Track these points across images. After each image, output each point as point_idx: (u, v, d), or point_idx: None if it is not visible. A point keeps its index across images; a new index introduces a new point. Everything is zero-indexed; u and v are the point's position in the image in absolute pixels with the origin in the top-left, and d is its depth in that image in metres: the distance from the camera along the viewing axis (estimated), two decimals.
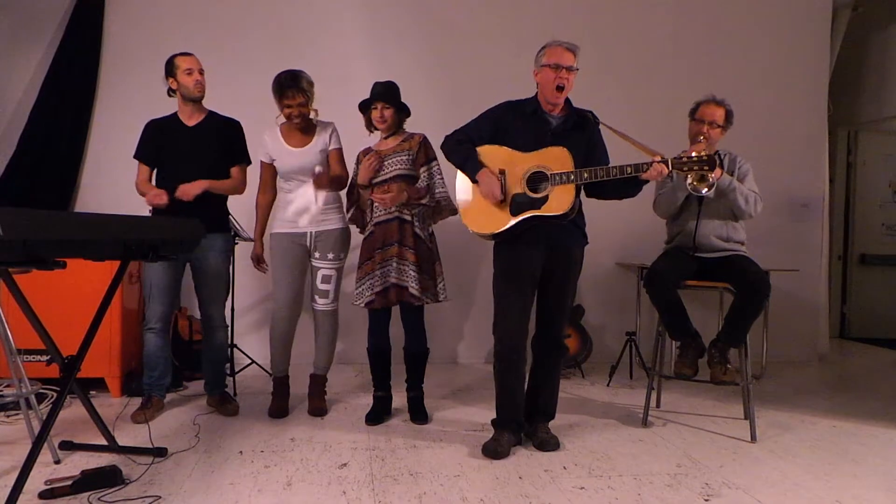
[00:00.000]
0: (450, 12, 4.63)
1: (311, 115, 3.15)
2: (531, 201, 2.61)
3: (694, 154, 2.55)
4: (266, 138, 3.18)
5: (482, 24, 4.64)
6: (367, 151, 3.14)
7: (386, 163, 3.03)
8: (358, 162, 3.15)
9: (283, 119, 3.14)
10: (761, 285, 2.90)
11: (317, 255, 3.15)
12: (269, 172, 3.22)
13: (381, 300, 2.99)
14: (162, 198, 2.98)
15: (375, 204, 3.04)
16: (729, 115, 3.10)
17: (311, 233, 3.13)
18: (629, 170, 2.53)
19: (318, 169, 3.08)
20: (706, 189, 2.83)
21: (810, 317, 4.99)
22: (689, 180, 2.82)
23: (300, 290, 3.19)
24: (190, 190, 3.00)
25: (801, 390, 3.98)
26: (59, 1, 4.26)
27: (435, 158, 3.06)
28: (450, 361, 4.54)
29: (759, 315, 2.98)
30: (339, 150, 3.21)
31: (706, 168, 2.53)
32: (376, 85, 3.05)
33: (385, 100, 3.01)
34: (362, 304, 3.04)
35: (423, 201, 3.03)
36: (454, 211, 3.00)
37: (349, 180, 3.21)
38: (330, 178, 3.14)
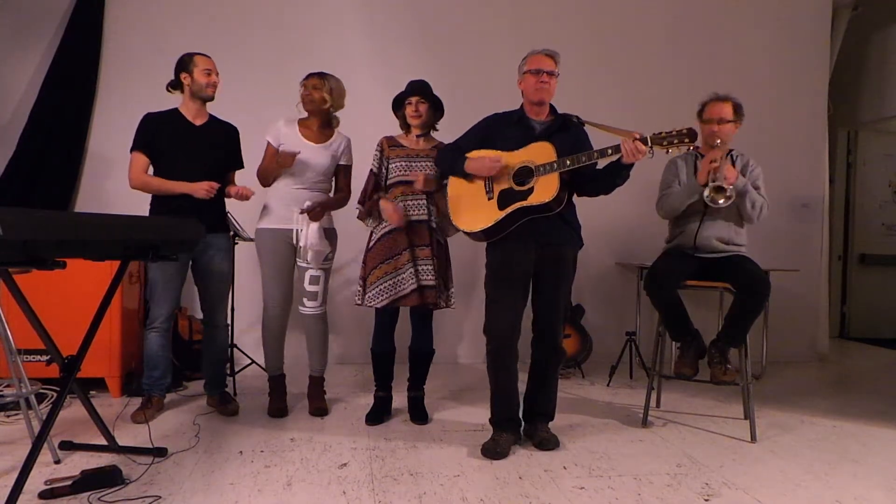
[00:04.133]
0: (450, 15, 4.63)
1: (333, 122, 3.21)
2: (518, 194, 2.65)
3: (674, 130, 2.49)
4: (281, 123, 3.17)
5: (483, 27, 4.64)
6: (391, 140, 3.09)
7: (415, 164, 3.00)
8: (380, 149, 3.08)
9: (302, 111, 3.17)
10: (761, 285, 2.90)
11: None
12: (272, 154, 3.15)
13: (405, 301, 2.94)
14: (214, 187, 3.02)
15: (402, 204, 2.97)
16: (737, 109, 3.09)
17: (298, 231, 3.11)
18: (609, 151, 2.55)
19: (307, 204, 3.06)
20: (723, 200, 2.82)
21: (810, 317, 5.00)
22: (707, 193, 2.82)
23: (289, 288, 3.18)
24: (247, 192, 3.09)
25: (801, 390, 3.98)
26: (59, 1, 4.26)
27: None
28: (450, 361, 4.54)
29: (760, 315, 2.98)
30: (350, 168, 3.25)
31: (686, 140, 2.47)
32: (412, 82, 3.07)
33: (421, 94, 3.01)
34: (379, 305, 2.97)
35: (433, 192, 2.99)
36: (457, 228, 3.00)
37: (367, 182, 3.13)
38: (332, 202, 3.15)
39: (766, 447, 2.85)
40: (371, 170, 3.10)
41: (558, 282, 2.77)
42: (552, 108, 2.80)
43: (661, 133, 2.50)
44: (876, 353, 5.47)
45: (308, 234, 3.05)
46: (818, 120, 5.01)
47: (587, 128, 2.78)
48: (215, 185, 3.03)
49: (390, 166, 3.04)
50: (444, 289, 3.03)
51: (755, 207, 3.02)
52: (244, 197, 3.10)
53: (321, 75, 3.14)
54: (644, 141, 2.50)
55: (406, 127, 3.10)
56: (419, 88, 3.03)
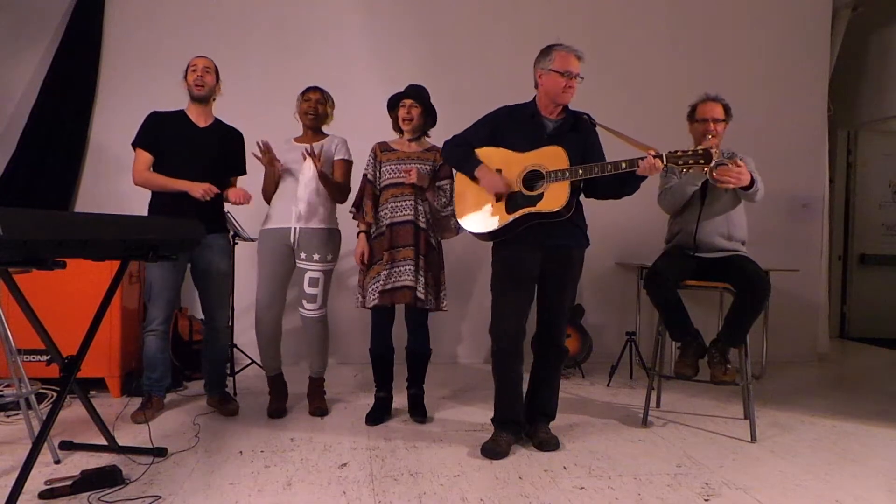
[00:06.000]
0: (450, 15, 4.64)
1: (324, 127, 3.23)
2: (527, 199, 2.62)
3: (690, 148, 2.51)
4: (281, 143, 3.20)
5: (482, 26, 4.65)
6: (383, 145, 3.12)
7: (406, 166, 3.00)
8: (373, 154, 3.12)
9: (298, 128, 3.20)
10: (761, 285, 2.89)
11: (302, 255, 3.12)
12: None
13: (388, 299, 2.96)
14: (213, 191, 3.01)
15: (390, 205, 3.01)
16: (727, 110, 3.11)
17: (295, 229, 3.10)
18: (623, 165, 2.53)
19: (307, 148, 3.02)
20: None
21: (810, 317, 5.00)
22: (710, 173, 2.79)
23: (281, 288, 3.16)
24: (247, 196, 3.08)
25: (801, 390, 3.98)
26: (59, 1, 4.26)
27: (452, 176, 3.02)
28: (450, 361, 4.54)
29: (759, 315, 2.97)
30: (345, 162, 3.21)
31: (702, 161, 2.49)
32: (410, 85, 3.09)
33: (415, 98, 3.02)
34: (370, 306, 3.01)
35: (425, 187, 3.00)
36: (457, 231, 3.02)
37: (361, 186, 3.16)
38: (328, 176, 3.13)
39: (766, 447, 2.85)
40: (365, 175, 3.13)
41: (564, 283, 2.76)
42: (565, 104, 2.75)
43: (676, 152, 2.51)
44: (876, 353, 5.47)
45: (307, 175, 3.06)
46: (818, 120, 5.01)
47: (597, 129, 2.76)
48: (214, 188, 3.01)
49: (382, 170, 3.07)
50: (431, 289, 3.00)
51: (760, 193, 2.98)
52: (242, 200, 3.07)
53: (321, 89, 3.19)
54: (660, 158, 2.50)
55: (398, 129, 3.12)
56: (414, 93, 3.05)
